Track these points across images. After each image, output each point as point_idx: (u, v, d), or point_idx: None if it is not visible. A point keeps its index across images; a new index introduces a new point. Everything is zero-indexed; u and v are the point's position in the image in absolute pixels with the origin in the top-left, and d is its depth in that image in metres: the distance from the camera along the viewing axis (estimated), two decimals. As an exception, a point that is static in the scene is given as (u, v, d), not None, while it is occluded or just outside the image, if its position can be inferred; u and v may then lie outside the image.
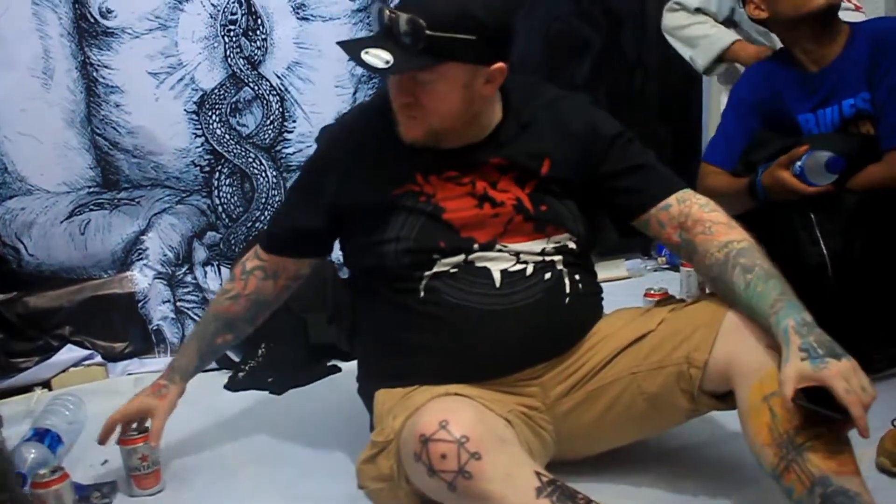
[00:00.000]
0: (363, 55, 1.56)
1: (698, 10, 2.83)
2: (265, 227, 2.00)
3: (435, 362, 1.69)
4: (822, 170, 1.96)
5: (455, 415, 1.45)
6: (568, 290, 1.72)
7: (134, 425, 1.90)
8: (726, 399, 1.63)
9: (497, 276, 1.68)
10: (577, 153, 1.75)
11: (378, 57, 1.56)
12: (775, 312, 1.48)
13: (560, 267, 1.72)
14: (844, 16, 2.57)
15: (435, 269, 1.69)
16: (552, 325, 1.71)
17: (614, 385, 1.71)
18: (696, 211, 1.69)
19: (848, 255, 2.01)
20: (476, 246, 1.70)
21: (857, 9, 2.71)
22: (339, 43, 1.63)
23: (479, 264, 1.69)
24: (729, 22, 2.82)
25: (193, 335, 2.04)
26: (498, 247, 1.70)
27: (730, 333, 1.58)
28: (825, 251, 2.02)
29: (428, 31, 1.54)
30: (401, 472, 1.55)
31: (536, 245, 1.72)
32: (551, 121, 1.76)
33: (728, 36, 2.70)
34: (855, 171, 2.04)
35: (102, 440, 1.89)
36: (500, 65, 1.64)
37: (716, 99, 2.91)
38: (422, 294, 1.69)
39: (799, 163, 1.99)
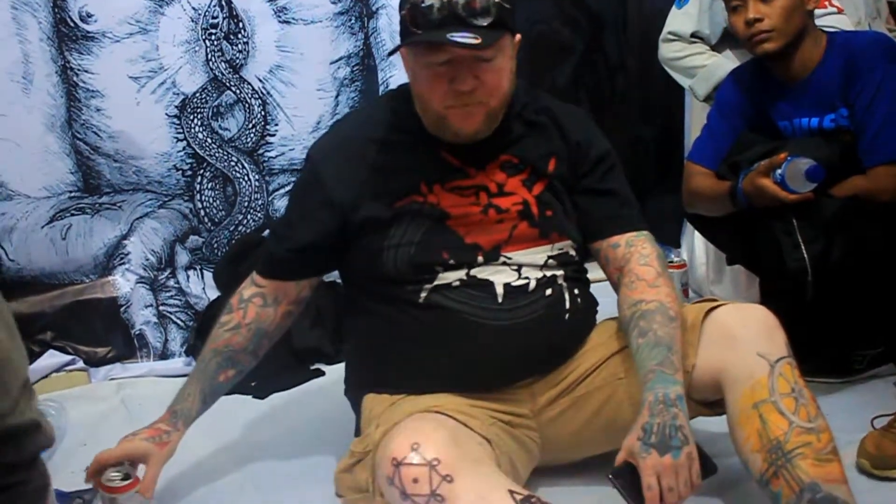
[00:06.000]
0: (452, 38, 1.48)
1: (694, 35, 2.84)
2: (262, 254, 1.88)
3: (429, 373, 1.68)
4: (803, 178, 1.97)
5: (427, 436, 1.44)
6: (568, 306, 1.72)
7: (113, 471, 1.69)
8: (712, 405, 1.64)
9: (500, 291, 1.66)
10: (571, 159, 1.76)
11: (466, 37, 1.49)
12: (646, 381, 1.53)
13: (561, 282, 1.72)
14: (827, 19, 2.58)
15: (436, 283, 1.66)
16: (551, 341, 1.72)
17: (601, 391, 1.73)
18: (633, 261, 1.71)
19: (828, 260, 2.03)
20: (480, 258, 1.67)
21: (840, 11, 2.72)
22: (404, 45, 1.60)
23: (482, 276, 1.67)
24: (726, 38, 2.82)
25: (193, 376, 1.86)
26: (502, 258, 1.68)
27: (718, 341, 1.60)
28: (806, 255, 2.03)
29: (498, 1, 1.53)
30: (376, 486, 1.54)
31: (540, 252, 1.71)
32: (552, 124, 1.78)
33: (725, 64, 2.70)
34: (836, 176, 2.06)
35: (88, 479, 1.72)
36: (519, 35, 1.65)
37: (698, 101, 2.91)
38: (421, 302, 1.67)
39: (779, 170, 1.99)
